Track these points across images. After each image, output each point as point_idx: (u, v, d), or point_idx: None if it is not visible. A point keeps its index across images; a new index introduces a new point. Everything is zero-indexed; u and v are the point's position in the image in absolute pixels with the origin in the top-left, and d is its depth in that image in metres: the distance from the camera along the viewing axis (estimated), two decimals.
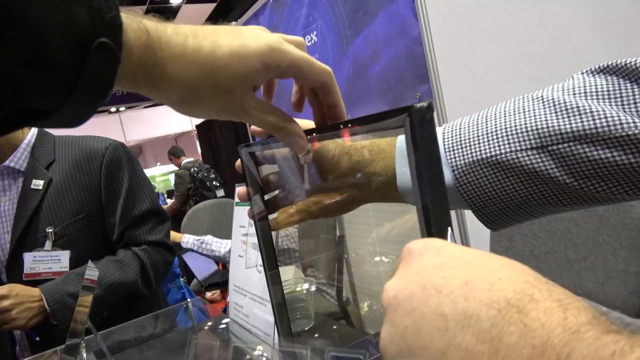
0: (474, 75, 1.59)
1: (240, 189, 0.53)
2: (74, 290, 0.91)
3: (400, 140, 0.44)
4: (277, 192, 0.53)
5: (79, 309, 0.74)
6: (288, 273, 1.44)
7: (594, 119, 0.34)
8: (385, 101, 2.00)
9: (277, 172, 0.52)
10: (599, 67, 0.37)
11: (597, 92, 0.35)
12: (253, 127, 0.48)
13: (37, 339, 0.96)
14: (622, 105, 0.34)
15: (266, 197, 0.53)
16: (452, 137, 0.41)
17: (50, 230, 0.95)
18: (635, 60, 0.34)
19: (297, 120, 0.48)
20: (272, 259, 0.55)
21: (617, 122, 0.33)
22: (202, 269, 2.48)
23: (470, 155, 0.39)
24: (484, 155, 0.38)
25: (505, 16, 1.41)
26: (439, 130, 0.42)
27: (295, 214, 0.50)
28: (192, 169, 4.33)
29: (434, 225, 0.27)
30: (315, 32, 2.39)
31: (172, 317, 1.03)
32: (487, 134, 0.38)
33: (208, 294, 2.71)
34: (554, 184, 0.36)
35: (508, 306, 0.19)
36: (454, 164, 0.40)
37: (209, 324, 0.92)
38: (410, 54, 1.82)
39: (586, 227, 1.05)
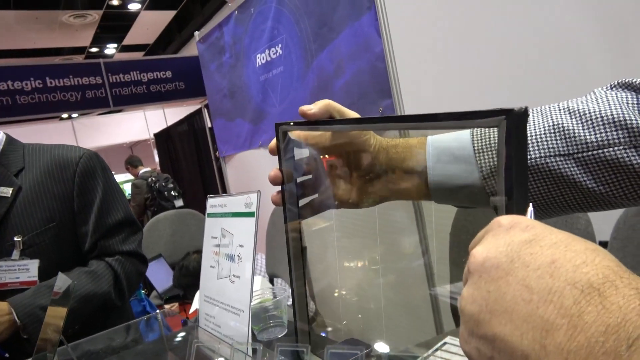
0: (435, 91, 1.67)
1: (273, 171, 0.52)
2: (45, 304, 0.89)
3: (434, 140, 0.46)
4: (309, 177, 0.54)
5: (49, 321, 0.74)
6: (255, 283, 1.46)
7: (616, 130, 0.38)
8: None
9: (310, 159, 0.53)
10: (617, 83, 0.41)
11: (620, 103, 0.39)
12: (302, 108, 0.49)
13: (7, 355, 0.92)
14: None
15: (298, 180, 0.54)
16: (481, 139, 0.43)
17: (18, 239, 0.92)
18: None
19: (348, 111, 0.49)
20: (298, 248, 0.56)
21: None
22: (161, 281, 2.43)
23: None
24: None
25: (466, 34, 1.50)
26: (467, 132, 0.44)
27: (323, 203, 0.52)
28: (149, 179, 4.24)
29: (516, 212, 0.31)
30: (280, 45, 2.43)
31: (142, 328, 1.02)
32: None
33: (167, 307, 2.66)
34: (577, 188, 0.40)
35: (590, 288, 0.21)
36: (483, 165, 0.42)
37: (180, 334, 0.92)
38: (373, 70, 1.88)
39: None
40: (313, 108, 0.48)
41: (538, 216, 0.42)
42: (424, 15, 1.65)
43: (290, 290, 0.57)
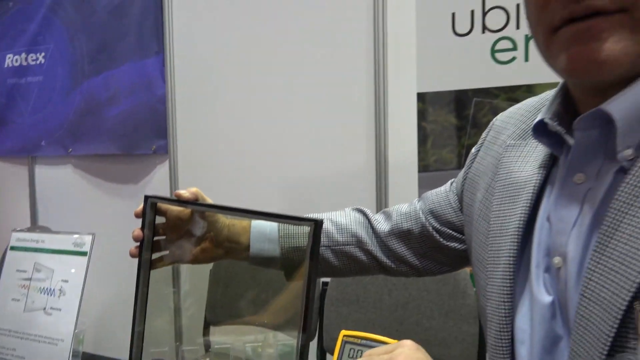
0: (210, 144, 1.87)
1: (136, 231, 0.67)
2: None
3: (255, 224, 0.69)
4: (163, 237, 0.70)
5: None
6: None
7: (350, 236, 0.69)
8: (118, 145, 2.07)
9: (167, 224, 0.69)
10: (355, 208, 0.72)
11: (354, 219, 0.70)
12: (178, 192, 0.65)
13: None
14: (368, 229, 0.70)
15: (155, 238, 0.69)
16: (284, 228, 0.68)
17: None
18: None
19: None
20: (144, 298, 0.69)
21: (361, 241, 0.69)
22: None
23: (293, 244, 0.68)
24: (300, 245, 0.67)
25: (245, 91, 1.75)
26: (275, 225, 0.69)
27: (176, 257, 0.69)
28: None
29: (311, 290, 0.55)
30: (44, 54, 2.26)
31: None
32: (305, 233, 0.67)
33: None
34: (329, 264, 0.69)
35: None
36: (283, 246, 0.68)
37: None
38: (152, 110, 1.98)
39: None
40: (187, 193, 0.66)
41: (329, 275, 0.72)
42: (211, 69, 1.84)
43: None
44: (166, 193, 1.96)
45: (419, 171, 1.35)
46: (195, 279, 1.78)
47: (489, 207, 0.53)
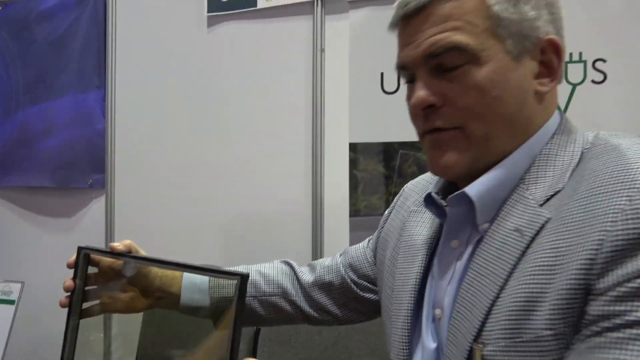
0: (148, 177, 1.86)
1: (67, 281, 0.68)
2: None
3: (186, 275, 0.72)
4: (95, 287, 0.72)
5: None
6: None
7: (276, 287, 0.73)
8: (52, 177, 2.01)
9: (99, 274, 0.71)
10: (284, 260, 0.77)
11: (281, 272, 0.75)
12: (112, 244, 0.68)
13: None
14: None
15: (87, 288, 0.70)
16: (214, 280, 0.72)
17: None
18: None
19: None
20: (72, 346, 0.70)
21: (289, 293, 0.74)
22: None
23: (222, 294, 0.71)
24: (229, 296, 0.71)
25: (185, 130, 1.79)
26: (205, 279, 0.73)
27: (107, 307, 0.71)
28: None
29: (236, 340, 0.58)
30: None
31: None
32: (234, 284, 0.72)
33: None
34: (256, 314, 0.73)
35: None
36: (213, 296, 0.71)
37: None
38: (90, 144, 1.95)
39: None
40: (120, 246, 0.70)
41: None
42: (153, 107, 1.85)
43: None
44: (101, 228, 1.93)
45: (350, 215, 1.43)
46: (127, 322, 1.74)
47: (395, 264, 0.61)
